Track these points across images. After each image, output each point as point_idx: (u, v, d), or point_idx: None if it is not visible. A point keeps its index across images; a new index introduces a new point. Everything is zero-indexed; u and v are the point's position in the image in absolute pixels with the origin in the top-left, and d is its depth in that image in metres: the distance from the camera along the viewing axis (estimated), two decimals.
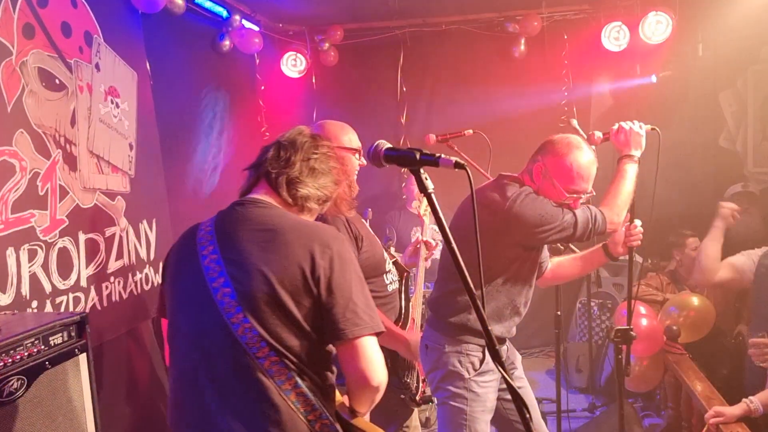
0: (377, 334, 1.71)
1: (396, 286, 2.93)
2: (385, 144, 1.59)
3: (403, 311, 2.91)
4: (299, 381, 1.68)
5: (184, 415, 1.79)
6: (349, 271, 1.72)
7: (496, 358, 1.47)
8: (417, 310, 3.05)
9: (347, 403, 1.84)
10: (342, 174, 2.00)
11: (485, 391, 2.64)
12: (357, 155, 2.78)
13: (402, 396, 2.81)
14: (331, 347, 1.77)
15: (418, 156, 1.51)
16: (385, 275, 2.83)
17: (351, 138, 2.81)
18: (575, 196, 2.60)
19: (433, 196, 1.49)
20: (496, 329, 2.68)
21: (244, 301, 1.66)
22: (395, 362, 2.79)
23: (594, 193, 2.67)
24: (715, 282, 3.76)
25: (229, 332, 1.67)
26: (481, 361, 2.63)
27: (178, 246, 1.93)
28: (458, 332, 2.62)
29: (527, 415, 1.44)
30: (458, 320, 2.62)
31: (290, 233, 1.72)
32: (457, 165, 1.46)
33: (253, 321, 1.65)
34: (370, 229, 2.89)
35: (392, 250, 4.12)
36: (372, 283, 2.72)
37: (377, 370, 1.69)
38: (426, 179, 1.51)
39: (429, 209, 3.36)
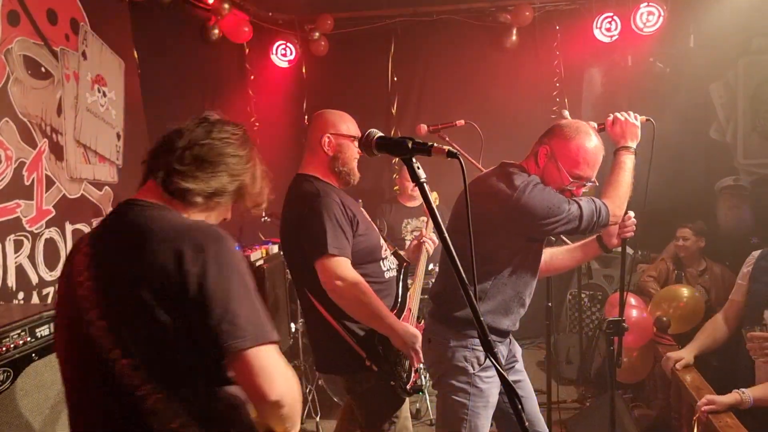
0: (271, 343, 1.48)
1: (393, 274, 2.89)
2: (377, 132, 1.57)
3: (399, 300, 2.88)
4: (190, 419, 1.47)
5: None
6: (228, 276, 1.46)
7: (489, 349, 1.46)
8: (414, 301, 3.04)
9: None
10: (251, 164, 1.72)
11: (488, 386, 2.60)
12: (356, 143, 2.76)
13: (392, 383, 2.74)
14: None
15: (410, 144, 1.48)
16: (381, 261, 2.81)
17: (349, 126, 2.80)
18: (579, 182, 2.57)
19: (425, 185, 1.47)
20: (504, 323, 2.64)
21: (118, 332, 1.45)
22: (387, 349, 2.73)
23: (597, 183, 2.65)
24: None
25: (110, 375, 1.45)
26: (486, 356, 2.60)
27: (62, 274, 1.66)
28: (463, 326, 2.57)
29: (519, 407, 1.43)
30: (464, 314, 2.56)
31: (158, 237, 1.48)
32: (450, 154, 1.43)
33: (133, 357, 1.44)
34: (366, 215, 2.88)
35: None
36: (367, 269, 2.74)
37: (272, 383, 1.45)
38: (418, 168, 1.48)
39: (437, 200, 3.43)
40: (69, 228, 3.24)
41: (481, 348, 2.55)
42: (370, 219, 2.89)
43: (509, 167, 2.65)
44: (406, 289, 2.97)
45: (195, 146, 1.62)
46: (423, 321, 3.02)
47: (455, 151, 1.44)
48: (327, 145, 2.75)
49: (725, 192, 4.86)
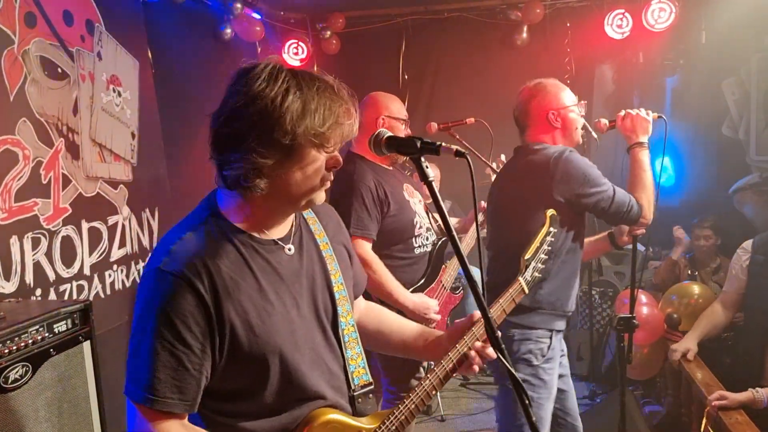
0: (139, 407, 1.38)
1: (426, 249, 3.15)
2: (387, 132, 1.59)
3: (427, 274, 3.15)
4: None
5: None
6: (137, 313, 1.41)
7: (497, 346, 1.48)
8: (448, 274, 3.26)
9: None
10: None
11: (551, 377, 2.68)
12: (405, 125, 3.18)
13: None
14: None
15: (419, 144, 1.50)
16: (413, 239, 3.08)
17: (399, 108, 3.23)
18: (577, 106, 2.79)
19: (433, 184, 1.49)
20: (569, 303, 2.73)
21: None
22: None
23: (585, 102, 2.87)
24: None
25: None
26: (549, 348, 2.68)
27: None
28: (528, 314, 2.63)
29: (527, 402, 1.45)
30: (526, 302, 2.58)
31: None
32: (458, 153, 1.45)
33: None
34: (406, 193, 3.12)
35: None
36: (396, 246, 3.04)
37: None
38: (426, 167, 1.50)
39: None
40: (85, 226, 3.30)
41: (544, 340, 2.66)
42: (409, 198, 3.13)
43: (533, 146, 2.75)
44: (440, 263, 3.22)
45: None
46: (460, 292, 3.37)
47: (463, 150, 1.46)
48: (381, 126, 3.00)
49: (753, 189, 4.84)
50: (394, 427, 1.62)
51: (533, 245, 2.01)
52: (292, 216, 1.59)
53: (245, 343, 1.42)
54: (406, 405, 1.63)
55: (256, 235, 1.49)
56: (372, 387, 1.69)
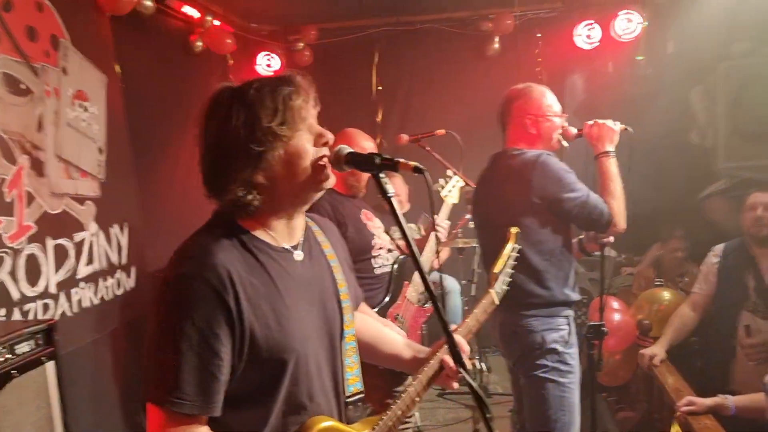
0: (164, 410, 1.35)
1: (386, 269, 3.17)
2: (347, 148, 1.59)
3: (391, 292, 3.19)
4: None
5: None
6: (160, 319, 1.39)
7: (459, 362, 1.50)
8: (412, 289, 3.31)
9: None
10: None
11: (576, 362, 2.79)
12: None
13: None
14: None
15: (378, 160, 1.51)
16: (372, 259, 3.08)
17: (365, 144, 3.11)
18: (559, 118, 2.86)
19: (393, 200, 1.50)
20: (573, 295, 2.82)
21: None
22: None
23: (567, 115, 2.93)
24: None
25: None
26: (569, 333, 2.78)
27: None
28: (546, 308, 2.74)
29: (488, 416, 1.45)
30: (546, 294, 2.74)
31: None
32: (416, 170, 1.47)
33: None
34: (363, 217, 3.13)
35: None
36: (355, 267, 2.99)
37: None
38: (386, 183, 1.51)
39: (451, 192, 3.68)
40: (50, 243, 3.25)
41: (564, 327, 2.76)
42: (367, 222, 3.15)
43: (511, 151, 2.85)
44: (400, 279, 3.26)
45: None
46: (429, 305, 3.38)
47: (422, 167, 1.47)
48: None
49: (722, 195, 4.91)
50: None
51: (501, 260, 2.07)
52: (302, 225, 1.64)
53: (264, 347, 1.43)
54: (393, 411, 1.66)
55: (269, 241, 1.53)
56: (363, 396, 1.71)
